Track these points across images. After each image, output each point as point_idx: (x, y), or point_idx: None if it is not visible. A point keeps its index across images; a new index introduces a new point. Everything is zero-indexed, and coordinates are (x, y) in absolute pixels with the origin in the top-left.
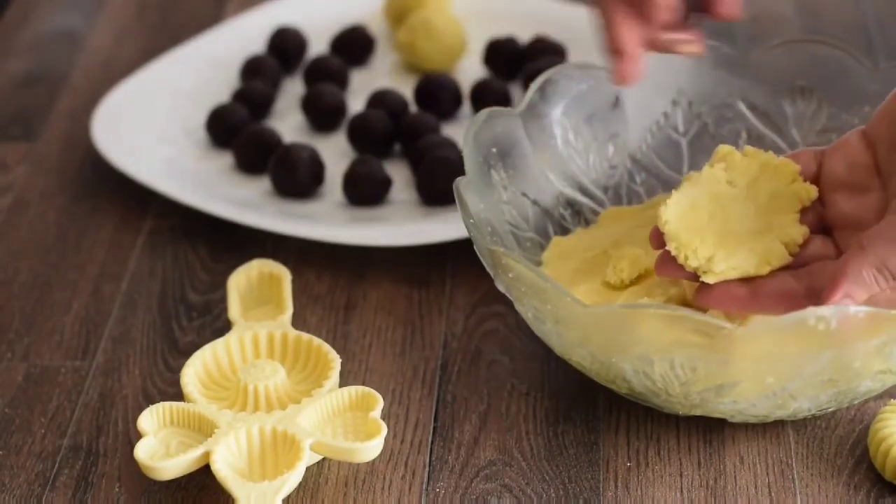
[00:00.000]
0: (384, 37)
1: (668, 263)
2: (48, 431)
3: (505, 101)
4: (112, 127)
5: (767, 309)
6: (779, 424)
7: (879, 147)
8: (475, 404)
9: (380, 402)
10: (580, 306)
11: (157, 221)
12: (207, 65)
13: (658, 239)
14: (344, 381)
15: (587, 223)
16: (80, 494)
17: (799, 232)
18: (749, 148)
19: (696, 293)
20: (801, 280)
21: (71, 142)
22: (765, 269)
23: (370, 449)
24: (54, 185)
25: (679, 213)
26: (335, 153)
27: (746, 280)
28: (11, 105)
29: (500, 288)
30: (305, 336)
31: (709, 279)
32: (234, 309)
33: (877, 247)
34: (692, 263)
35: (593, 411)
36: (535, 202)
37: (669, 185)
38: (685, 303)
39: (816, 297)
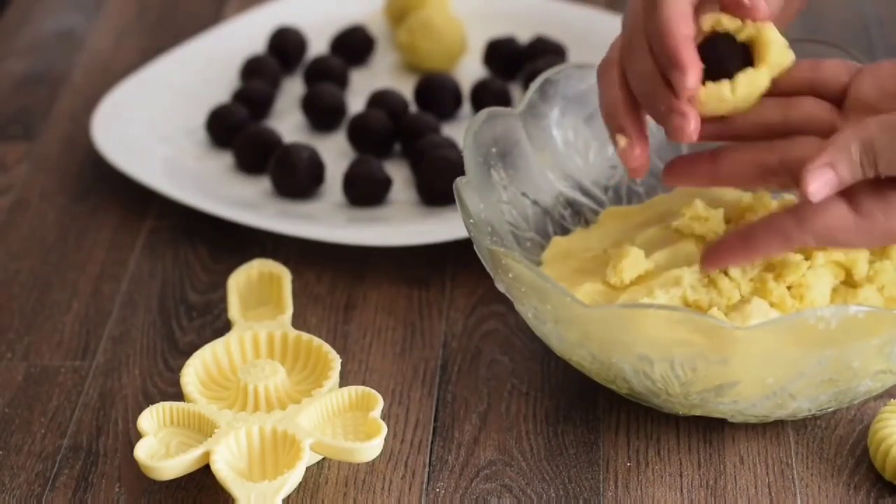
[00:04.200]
0: (384, 37)
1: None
2: (48, 431)
3: (505, 101)
4: (112, 127)
5: (734, 174)
6: (779, 424)
7: None
8: (475, 404)
9: (380, 402)
10: (580, 306)
11: (157, 221)
12: (207, 65)
13: None
14: (344, 381)
15: (587, 223)
16: (80, 494)
17: None
18: None
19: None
20: (775, 152)
21: (71, 142)
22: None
23: (370, 449)
24: (54, 185)
25: None
26: (335, 153)
27: (713, 152)
28: (11, 105)
29: (500, 288)
30: (305, 336)
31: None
32: (234, 309)
33: (871, 126)
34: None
35: (593, 411)
36: (535, 202)
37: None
38: (686, 302)
39: (788, 169)
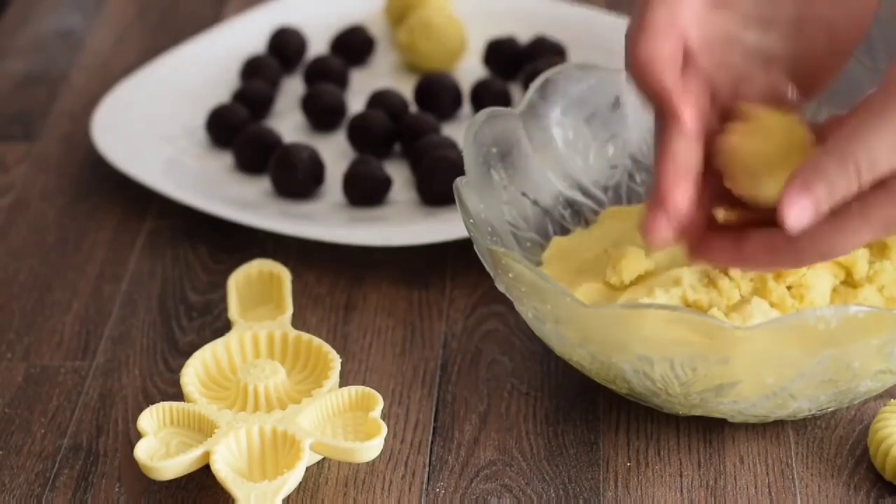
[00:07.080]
0: (384, 37)
1: None
2: (48, 431)
3: (505, 101)
4: (112, 127)
5: (753, 258)
6: (779, 424)
7: None
8: (475, 404)
9: (380, 402)
10: (580, 306)
11: (157, 221)
12: (207, 65)
13: None
14: (344, 381)
15: (587, 223)
16: (80, 494)
17: None
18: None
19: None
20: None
21: (71, 142)
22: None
23: (370, 449)
24: (54, 185)
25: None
26: (335, 153)
27: (737, 236)
28: (11, 105)
29: (500, 288)
30: (305, 336)
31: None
32: (234, 309)
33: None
34: None
35: (593, 411)
36: (535, 202)
37: None
38: (686, 302)
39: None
